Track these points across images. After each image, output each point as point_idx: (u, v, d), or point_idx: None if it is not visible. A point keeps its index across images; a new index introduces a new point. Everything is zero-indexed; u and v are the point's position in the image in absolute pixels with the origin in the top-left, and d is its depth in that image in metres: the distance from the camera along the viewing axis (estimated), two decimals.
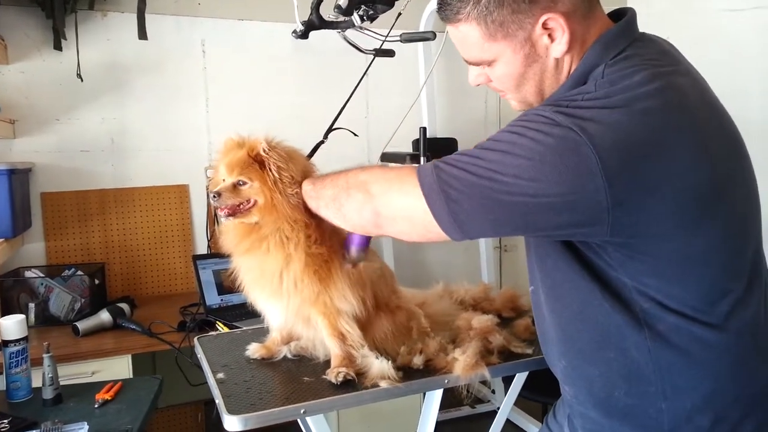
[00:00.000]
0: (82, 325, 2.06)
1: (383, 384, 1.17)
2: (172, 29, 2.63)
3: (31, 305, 2.16)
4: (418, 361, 1.26)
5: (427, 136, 2.41)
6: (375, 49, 2.13)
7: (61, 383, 1.52)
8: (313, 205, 1.16)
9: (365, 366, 1.22)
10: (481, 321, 1.39)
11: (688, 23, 2.34)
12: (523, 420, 2.67)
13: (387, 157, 2.63)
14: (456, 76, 3.20)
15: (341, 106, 1.83)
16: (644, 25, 1.00)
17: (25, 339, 1.53)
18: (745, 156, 0.98)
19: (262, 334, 1.44)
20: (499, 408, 2.75)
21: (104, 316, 2.11)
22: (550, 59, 0.95)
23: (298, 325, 1.31)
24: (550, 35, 0.93)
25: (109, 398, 1.49)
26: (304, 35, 1.96)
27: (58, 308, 2.19)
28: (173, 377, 2.11)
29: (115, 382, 1.56)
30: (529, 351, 1.33)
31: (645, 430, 0.94)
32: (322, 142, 1.53)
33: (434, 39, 2.13)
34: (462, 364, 1.22)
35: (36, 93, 2.44)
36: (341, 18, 1.86)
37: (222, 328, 2.02)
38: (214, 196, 1.19)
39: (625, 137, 0.83)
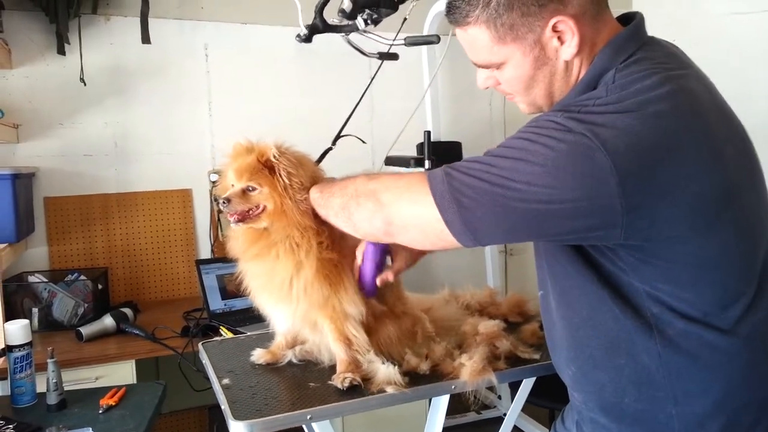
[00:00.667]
0: (85, 330, 2.05)
1: (390, 389, 1.17)
2: (176, 33, 2.64)
3: (35, 310, 2.16)
4: (424, 366, 1.25)
5: (432, 139, 2.40)
6: (379, 53, 2.13)
7: (65, 389, 1.51)
8: (322, 212, 1.15)
9: (371, 371, 1.21)
10: (487, 326, 1.38)
11: (693, 26, 2.34)
12: (530, 426, 2.66)
13: (391, 161, 2.62)
14: (460, 79, 3.20)
15: (346, 110, 1.82)
16: (649, 29, 0.99)
17: (30, 344, 1.52)
18: (756, 160, 0.97)
19: (266, 339, 1.43)
20: (505, 414, 2.73)
21: (107, 321, 2.11)
22: (560, 62, 0.95)
23: (305, 330, 1.30)
24: (559, 38, 0.93)
25: (113, 404, 1.49)
26: (307, 39, 1.96)
27: (61, 313, 2.19)
28: (177, 382, 2.11)
29: (119, 387, 1.56)
30: (537, 356, 1.32)
31: None
32: (330, 149, 1.53)
33: (438, 42, 2.12)
34: (469, 370, 1.21)
35: (39, 97, 2.45)
36: (345, 22, 1.86)
37: (226, 333, 2.01)
38: (224, 202, 1.18)
39: (638, 141, 0.82)
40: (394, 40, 1.95)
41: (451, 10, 0.98)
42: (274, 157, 1.17)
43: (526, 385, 1.51)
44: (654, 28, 1.09)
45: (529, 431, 2.67)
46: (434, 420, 1.35)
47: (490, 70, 1.01)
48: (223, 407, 1.16)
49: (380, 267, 1.24)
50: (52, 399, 1.47)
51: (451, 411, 1.34)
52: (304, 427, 1.43)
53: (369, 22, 1.83)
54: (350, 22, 1.84)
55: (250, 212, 1.20)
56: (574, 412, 1.09)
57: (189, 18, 2.65)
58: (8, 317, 1.90)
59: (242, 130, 2.91)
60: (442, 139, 2.90)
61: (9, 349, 1.50)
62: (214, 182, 2.66)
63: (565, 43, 0.92)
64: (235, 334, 1.95)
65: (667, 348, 0.90)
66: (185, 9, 2.64)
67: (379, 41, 2.01)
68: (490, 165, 0.88)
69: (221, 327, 2.07)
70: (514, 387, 1.58)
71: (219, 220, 2.68)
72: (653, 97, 0.85)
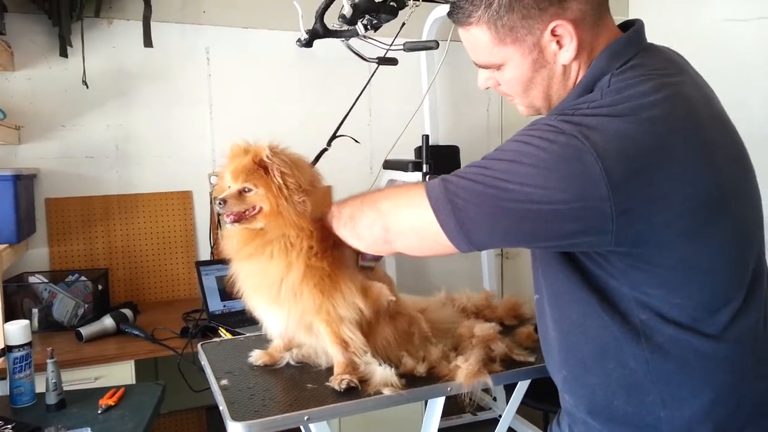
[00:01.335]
0: (85, 330, 2.06)
1: (386, 391, 1.18)
2: (177, 37, 2.65)
3: (35, 311, 2.17)
4: (420, 368, 1.26)
5: (430, 143, 2.42)
6: (378, 58, 2.15)
7: (64, 389, 1.52)
8: (335, 225, 1.16)
9: (368, 373, 1.22)
10: (483, 329, 1.39)
11: (692, 33, 2.36)
12: (525, 428, 2.67)
13: (390, 165, 2.64)
14: (458, 84, 3.22)
15: (344, 114, 1.84)
16: (648, 35, 1.01)
17: (29, 344, 1.53)
18: (749, 168, 0.98)
19: (265, 340, 1.44)
20: (500, 416, 2.74)
21: (107, 321, 2.12)
22: (558, 65, 0.96)
23: (299, 333, 1.31)
24: (558, 42, 0.94)
25: (113, 404, 1.50)
26: (308, 44, 1.97)
27: (61, 314, 2.20)
28: (176, 383, 2.12)
29: (118, 387, 1.57)
30: (531, 359, 1.33)
31: None
32: (325, 150, 1.54)
33: (437, 48, 2.14)
34: (464, 372, 1.22)
35: (41, 99, 2.46)
36: (345, 27, 1.88)
37: (225, 334, 2.02)
38: (220, 203, 1.19)
39: (630, 145, 0.83)
40: (392, 45, 1.97)
41: (454, 10, 0.99)
42: (267, 157, 1.18)
43: (521, 387, 1.52)
44: (652, 35, 1.11)
45: None
46: (430, 421, 1.36)
47: (490, 70, 1.02)
48: (221, 408, 1.17)
49: None
50: (52, 399, 1.48)
51: (447, 412, 1.36)
52: (301, 428, 1.44)
53: (369, 27, 1.85)
54: (350, 28, 1.85)
55: (246, 213, 1.21)
56: (566, 415, 1.10)
57: (191, 22, 2.67)
58: (8, 317, 1.91)
59: (242, 133, 2.92)
60: (440, 144, 2.91)
61: (8, 349, 1.51)
62: (214, 185, 2.68)
63: (564, 48, 0.94)
64: (233, 335, 1.97)
65: (655, 354, 0.91)
66: (187, 13, 2.66)
67: (378, 46, 2.03)
68: (485, 167, 0.89)
69: (220, 328, 2.08)
70: (509, 389, 1.59)
71: (219, 222, 2.69)
72: (647, 103, 0.86)
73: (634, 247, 0.87)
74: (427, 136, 2.34)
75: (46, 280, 2.25)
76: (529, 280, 1.13)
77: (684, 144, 0.85)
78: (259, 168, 1.19)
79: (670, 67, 0.95)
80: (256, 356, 1.37)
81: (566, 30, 0.92)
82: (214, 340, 1.60)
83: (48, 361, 1.49)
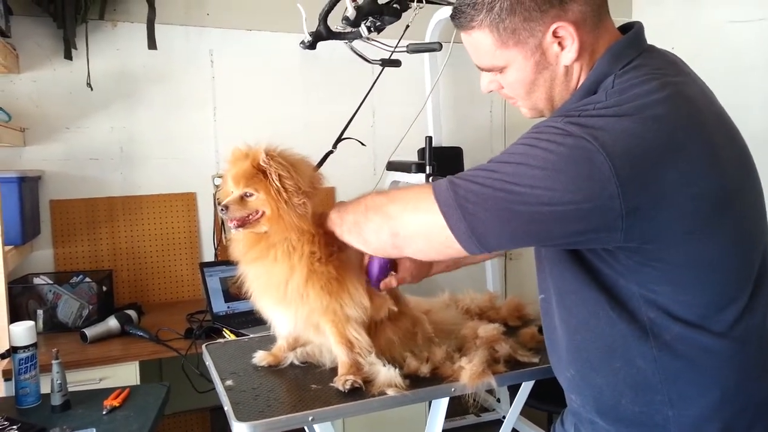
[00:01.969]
0: (90, 331, 2.07)
1: (390, 392, 1.18)
2: (182, 39, 2.66)
3: (40, 312, 2.18)
4: (425, 369, 1.27)
5: (433, 145, 2.42)
6: (382, 60, 2.15)
7: (69, 389, 1.52)
8: (337, 231, 1.16)
9: (372, 374, 1.22)
10: (487, 330, 1.40)
11: (693, 34, 2.36)
12: (528, 429, 2.66)
13: (393, 166, 2.64)
14: (461, 86, 3.22)
15: (348, 115, 1.84)
16: (650, 36, 1.01)
17: (34, 345, 1.53)
18: (752, 165, 0.99)
19: (269, 341, 1.45)
20: (504, 417, 2.74)
21: (112, 322, 2.12)
22: (560, 67, 0.97)
23: (308, 333, 1.31)
24: (560, 43, 0.95)
25: (117, 405, 1.50)
26: (311, 46, 1.98)
27: (66, 315, 2.21)
28: (180, 384, 2.12)
29: (123, 388, 1.57)
30: (536, 360, 1.34)
31: None
32: (331, 152, 1.54)
33: (440, 50, 2.15)
34: (468, 373, 1.23)
35: (46, 102, 2.47)
36: (349, 29, 1.89)
37: (229, 335, 2.03)
38: (222, 209, 1.20)
39: (637, 144, 0.84)
40: (396, 47, 1.98)
41: (456, 14, 1.00)
42: (263, 161, 1.18)
43: (525, 388, 1.52)
44: (653, 37, 1.12)
45: None
46: (434, 422, 1.37)
47: (493, 74, 1.03)
48: (226, 408, 1.17)
49: (385, 269, 1.26)
50: (57, 400, 1.48)
51: (451, 413, 1.36)
52: (305, 428, 1.44)
53: (372, 29, 1.85)
54: (354, 30, 1.86)
55: (249, 217, 1.21)
56: (572, 415, 1.10)
57: (195, 24, 2.68)
58: (13, 319, 1.92)
59: (246, 135, 2.92)
60: (443, 145, 2.92)
61: (14, 350, 1.51)
62: (218, 186, 2.69)
63: (566, 49, 0.95)
64: (237, 336, 1.97)
65: (662, 352, 0.91)
66: (191, 15, 2.67)
67: (382, 48, 2.04)
68: (493, 171, 0.90)
69: (224, 329, 2.09)
70: (513, 390, 1.59)
71: (222, 223, 2.70)
72: (651, 102, 0.87)
73: (642, 243, 0.87)
74: (430, 138, 2.35)
75: (50, 282, 2.26)
76: (533, 282, 1.13)
77: (689, 142, 0.86)
78: (259, 172, 1.19)
79: (672, 68, 0.95)
80: (260, 357, 1.38)
81: (568, 31, 0.93)
82: (218, 341, 1.60)
83: (53, 362, 1.49)
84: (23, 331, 1.52)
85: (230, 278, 2.31)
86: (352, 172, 2.76)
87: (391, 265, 1.26)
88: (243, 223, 1.21)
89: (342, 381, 1.21)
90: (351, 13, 1.74)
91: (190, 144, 2.70)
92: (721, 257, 0.90)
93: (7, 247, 2.03)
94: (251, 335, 1.68)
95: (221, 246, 2.70)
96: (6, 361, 1.78)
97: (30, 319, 2.08)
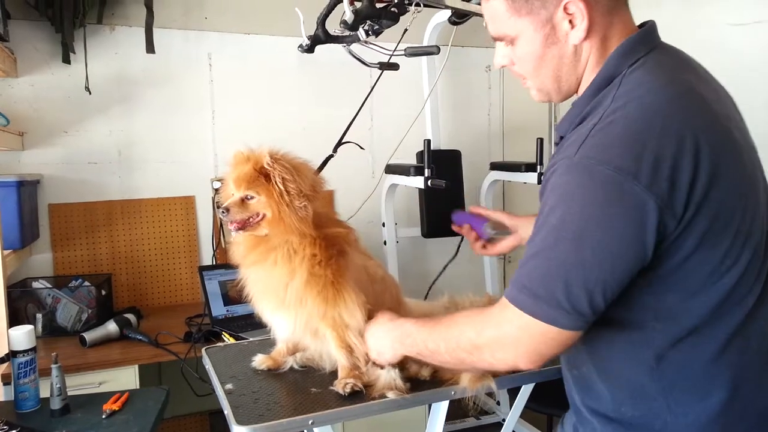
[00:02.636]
0: (89, 335, 2.07)
1: (390, 395, 1.18)
2: (180, 43, 2.67)
3: (39, 316, 2.18)
4: (425, 372, 1.27)
5: (432, 148, 2.43)
6: (380, 63, 2.16)
7: (68, 394, 1.52)
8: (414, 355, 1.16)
9: (373, 377, 1.23)
10: None
11: (693, 36, 2.36)
12: None
13: (391, 169, 2.65)
14: (459, 89, 3.23)
15: (347, 119, 1.85)
16: None
17: (34, 349, 1.53)
18: (760, 167, 1.00)
19: (268, 345, 1.45)
20: (503, 420, 2.73)
21: (111, 326, 2.12)
22: (569, 46, 0.97)
23: (306, 337, 1.32)
24: (571, 21, 0.95)
25: (117, 409, 1.50)
26: (310, 49, 1.99)
27: (65, 319, 2.20)
28: (178, 388, 2.12)
29: (122, 392, 1.57)
30: None
31: None
32: (331, 156, 1.55)
33: (438, 53, 2.15)
34: (469, 376, 1.23)
35: (44, 105, 2.47)
36: (347, 33, 1.89)
37: (228, 339, 2.03)
38: (223, 212, 1.20)
39: (644, 145, 0.84)
40: (394, 50, 1.98)
41: None
42: (268, 164, 1.19)
43: (525, 390, 1.52)
44: None
45: None
46: (434, 425, 1.37)
47: (506, 45, 1.03)
48: (226, 412, 1.17)
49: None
50: (56, 404, 1.48)
51: (450, 416, 1.36)
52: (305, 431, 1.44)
53: (370, 33, 1.86)
54: (352, 33, 1.87)
55: (250, 220, 1.22)
56: (573, 416, 1.10)
57: (193, 28, 2.68)
58: (12, 323, 1.92)
59: (245, 139, 2.93)
60: (441, 148, 2.92)
61: (13, 354, 1.51)
62: (216, 190, 2.69)
63: (576, 27, 0.95)
64: (237, 339, 1.97)
65: (661, 360, 0.92)
66: (189, 19, 2.67)
67: (380, 51, 2.04)
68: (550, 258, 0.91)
69: (223, 333, 2.09)
70: (513, 393, 1.59)
71: (221, 227, 2.70)
72: (659, 101, 0.88)
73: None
74: (428, 141, 2.35)
75: (49, 286, 2.25)
76: None
77: (697, 141, 0.86)
78: (261, 175, 1.20)
79: (682, 66, 0.96)
80: (260, 360, 1.38)
81: (578, 7, 0.94)
82: (218, 344, 1.60)
83: (52, 366, 1.49)
84: (22, 335, 1.52)
85: (229, 282, 2.32)
86: (350, 175, 2.77)
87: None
88: (243, 226, 1.22)
89: (342, 384, 1.21)
90: (349, 16, 1.75)
91: (189, 147, 2.70)
92: (728, 264, 0.89)
93: (6, 251, 2.03)
94: (250, 339, 1.68)
95: (220, 249, 2.70)
96: (5, 365, 1.78)
97: (29, 323, 2.09)
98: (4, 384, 1.80)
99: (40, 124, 2.47)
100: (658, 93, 0.88)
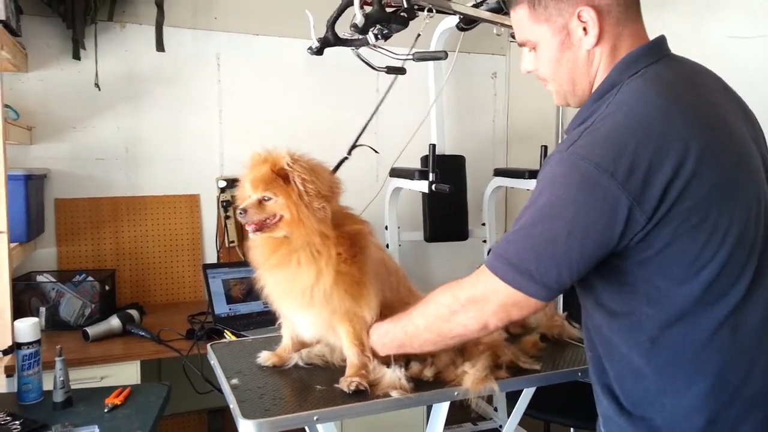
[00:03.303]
0: (92, 330, 2.07)
1: (394, 394, 1.20)
2: (189, 42, 2.69)
3: (42, 309, 2.18)
4: (428, 373, 1.28)
5: (436, 152, 2.44)
6: (387, 67, 2.17)
7: (71, 387, 1.53)
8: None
9: (378, 376, 1.24)
10: (489, 336, 1.40)
11: (694, 49, 2.37)
12: None
13: (396, 173, 2.66)
14: (465, 95, 3.25)
15: (353, 121, 1.87)
16: None
17: (38, 342, 1.54)
18: (760, 171, 1.04)
19: (273, 342, 1.46)
20: (500, 426, 2.75)
21: (114, 322, 2.13)
22: (582, 50, 1.07)
23: (328, 334, 1.33)
24: (584, 29, 1.05)
25: (119, 403, 1.50)
26: (319, 52, 2.01)
27: (68, 313, 2.21)
28: (178, 385, 2.12)
29: (125, 387, 1.58)
30: (537, 367, 1.35)
31: (649, 423, 1.01)
32: (345, 158, 1.56)
33: (446, 58, 2.17)
34: (471, 378, 1.24)
35: (54, 101, 2.49)
36: (356, 36, 1.91)
37: (230, 337, 2.03)
38: (241, 213, 1.21)
39: (625, 148, 0.93)
40: (406, 55, 2.00)
41: None
42: (288, 165, 1.20)
43: (526, 395, 1.53)
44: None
45: None
46: (434, 427, 1.37)
47: (529, 51, 1.14)
48: (231, 406, 1.18)
49: None
50: (59, 397, 1.49)
51: (448, 421, 1.37)
52: (306, 428, 1.45)
53: (379, 36, 1.88)
54: (361, 37, 1.88)
55: (267, 221, 1.22)
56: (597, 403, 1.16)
57: (202, 28, 2.70)
58: (17, 316, 1.92)
59: (251, 139, 2.96)
60: (446, 153, 2.94)
61: (18, 346, 1.52)
62: (222, 188, 2.70)
63: (588, 34, 1.05)
64: (239, 338, 1.98)
65: (654, 345, 0.99)
66: (199, 19, 2.69)
67: (388, 56, 2.06)
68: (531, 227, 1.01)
69: (225, 331, 2.10)
70: (511, 399, 1.60)
71: (226, 226, 2.71)
72: (644, 111, 0.96)
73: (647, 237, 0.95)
74: (434, 145, 2.37)
75: (53, 280, 2.26)
76: None
77: (677, 148, 0.93)
78: (278, 177, 1.21)
79: (681, 78, 1.03)
80: (265, 357, 1.39)
81: (590, 15, 1.03)
82: (223, 341, 1.61)
83: (56, 359, 1.50)
84: (28, 328, 1.53)
85: (233, 280, 2.33)
86: (355, 177, 2.77)
87: None
88: (261, 227, 1.22)
89: (347, 382, 1.23)
90: (360, 20, 1.77)
91: (195, 146, 2.72)
92: (715, 252, 0.95)
93: (12, 245, 2.04)
94: (252, 337, 1.69)
95: (223, 248, 2.71)
96: (8, 357, 1.79)
97: (32, 316, 2.09)
98: (7, 376, 1.81)
99: (48, 119, 2.48)
100: (647, 104, 0.96)
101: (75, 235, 2.50)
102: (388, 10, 1.81)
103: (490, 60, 3.27)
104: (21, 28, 2.27)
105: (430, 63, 2.84)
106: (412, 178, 2.50)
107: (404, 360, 1.31)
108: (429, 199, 2.79)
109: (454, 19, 2.45)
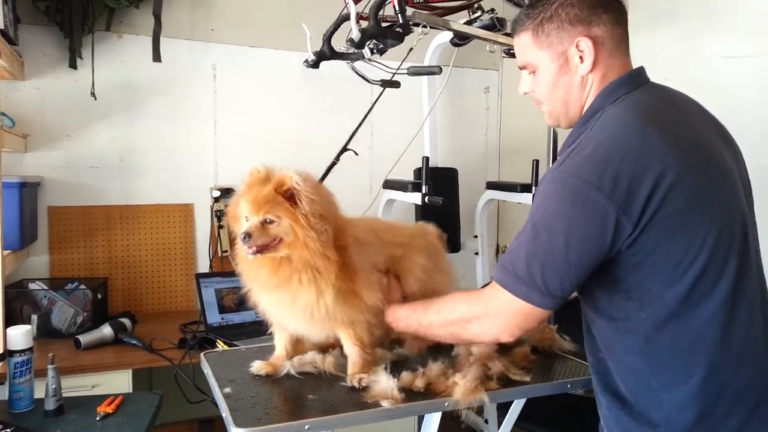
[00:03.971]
0: (83, 338, 2.07)
1: (385, 403, 1.21)
2: (186, 53, 2.71)
3: (34, 317, 2.17)
4: (419, 383, 1.29)
5: (429, 165, 2.47)
6: (382, 80, 2.20)
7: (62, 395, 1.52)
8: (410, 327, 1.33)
9: (372, 383, 1.26)
10: (480, 347, 1.42)
11: (687, 69, 2.42)
12: None
13: (389, 185, 2.68)
14: (458, 109, 3.29)
15: (347, 134, 1.89)
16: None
17: (30, 350, 1.54)
18: (737, 181, 1.13)
19: (266, 351, 1.47)
20: None
21: (106, 330, 2.12)
22: (578, 76, 1.17)
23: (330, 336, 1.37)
24: (581, 57, 1.15)
25: (111, 411, 1.50)
26: (315, 65, 2.03)
27: (60, 321, 2.21)
28: (169, 395, 2.12)
29: (116, 395, 1.58)
30: (527, 378, 1.36)
31: (647, 418, 1.08)
32: (334, 164, 1.59)
33: (440, 73, 2.21)
34: (462, 388, 1.25)
35: (49, 109, 2.50)
36: (352, 50, 1.94)
37: (222, 347, 2.04)
38: (244, 238, 1.15)
39: (609, 165, 1.02)
40: (398, 69, 2.03)
41: (517, 21, 1.23)
42: (297, 184, 1.15)
43: (517, 406, 1.54)
44: (647, 70, 1.19)
45: None
46: None
47: (528, 74, 1.23)
48: (224, 415, 1.19)
49: None
50: (51, 405, 1.49)
51: None
52: None
53: (375, 51, 1.91)
54: (357, 51, 1.91)
55: (270, 244, 1.18)
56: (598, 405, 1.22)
57: (199, 39, 2.72)
58: (8, 323, 1.92)
59: (246, 149, 2.95)
60: (439, 166, 2.97)
61: (9, 353, 1.52)
62: (216, 198, 2.71)
63: (584, 61, 1.15)
64: (231, 347, 1.98)
65: (649, 343, 1.07)
66: (196, 30, 2.71)
67: (383, 69, 2.09)
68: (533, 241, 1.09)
69: (218, 340, 2.10)
70: (502, 410, 1.61)
71: (219, 236, 2.72)
72: (622, 133, 1.05)
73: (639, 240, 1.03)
74: (427, 158, 2.39)
75: (45, 288, 2.25)
76: None
77: (654, 163, 1.01)
78: (283, 198, 1.16)
79: (657, 104, 1.12)
80: (258, 366, 1.39)
81: (587, 45, 1.14)
82: (216, 350, 1.62)
83: (49, 366, 1.49)
84: (20, 335, 1.53)
85: (225, 290, 2.33)
86: (348, 189, 2.79)
87: None
88: (262, 250, 1.18)
89: (356, 378, 1.26)
90: (356, 35, 1.79)
91: (190, 156, 2.73)
92: (697, 256, 1.03)
93: (5, 252, 2.04)
94: (244, 347, 1.70)
95: (216, 258, 2.72)
96: (0, 364, 1.79)
97: (24, 324, 2.08)
98: None
99: (44, 128, 2.49)
100: (626, 125, 1.06)
101: (68, 243, 2.50)
102: (384, 25, 1.85)
103: (483, 75, 3.31)
104: (18, 36, 2.28)
105: (424, 77, 2.88)
106: (405, 190, 2.52)
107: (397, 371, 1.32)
108: (422, 211, 2.81)
109: (449, 35, 2.49)
